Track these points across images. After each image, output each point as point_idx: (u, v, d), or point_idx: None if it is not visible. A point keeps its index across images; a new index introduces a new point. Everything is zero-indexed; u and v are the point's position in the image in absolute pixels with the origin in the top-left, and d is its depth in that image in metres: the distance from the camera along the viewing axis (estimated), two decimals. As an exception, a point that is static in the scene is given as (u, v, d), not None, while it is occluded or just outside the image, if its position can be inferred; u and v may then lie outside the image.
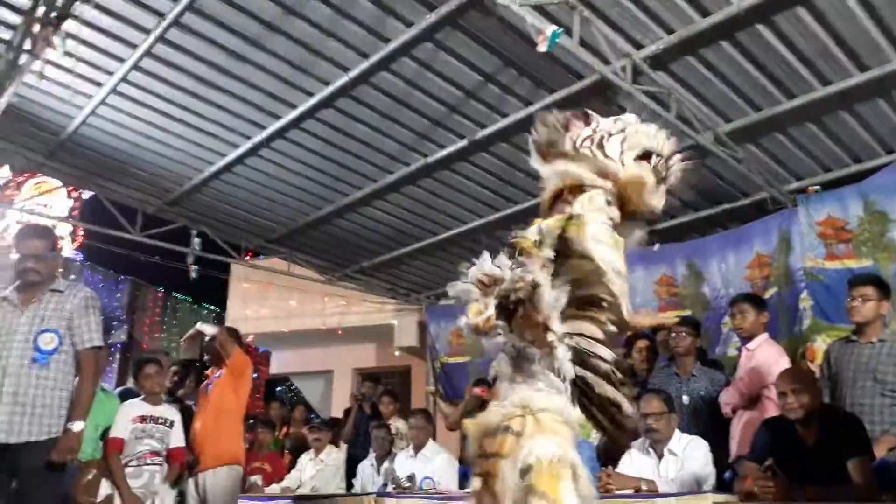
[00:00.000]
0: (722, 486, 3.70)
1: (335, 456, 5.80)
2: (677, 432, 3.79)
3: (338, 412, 9.06)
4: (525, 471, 1.52)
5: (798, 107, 4.84)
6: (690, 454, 3.69)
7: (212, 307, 11.80)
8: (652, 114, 4.80)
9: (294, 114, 5.39)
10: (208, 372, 4.81)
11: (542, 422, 1.57)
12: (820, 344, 4.89)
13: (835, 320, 4.90)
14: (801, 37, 4.22)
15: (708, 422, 4.11)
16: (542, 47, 3.79)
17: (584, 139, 1.91)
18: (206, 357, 4.82)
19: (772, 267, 5.60)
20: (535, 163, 1.97)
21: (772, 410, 3.73)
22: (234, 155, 6.01)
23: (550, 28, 3.77)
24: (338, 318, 9.54)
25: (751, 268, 5.75)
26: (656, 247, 6.44)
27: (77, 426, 3.22)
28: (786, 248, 5.51)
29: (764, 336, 4.17)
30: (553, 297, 1.62)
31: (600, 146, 1.89)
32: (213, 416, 4.39)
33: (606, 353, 1.62)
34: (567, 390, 1.62)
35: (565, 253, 1.72)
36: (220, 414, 4.39)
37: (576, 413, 1.61)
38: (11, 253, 3.36)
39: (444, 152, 5.78)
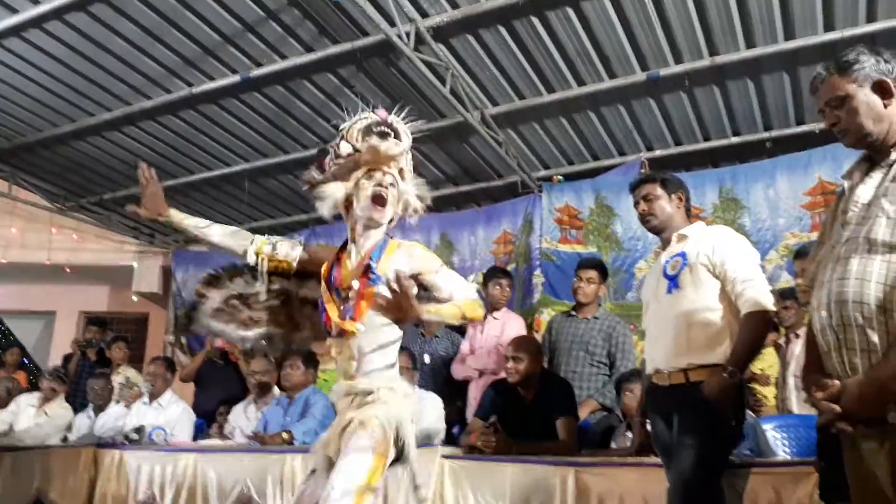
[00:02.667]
0: (450, 440, 3.99)
1: (62, 413, 5.19)
2: (416, 389, 3.98)
3: (57, 358, 8.15)
4: None
5: (555, 101, 5.31)
6: (424, 410, 3.91)
7: None
8: (428, 84, 4.96)
9: (36, 11, 4.64)
10: None
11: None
12: (546, 316, 5.48)
13: (561, 297, 5.52)
14: (567, 36, 4.62)
15: (445, 380, 4.39)
16: (332, -7, 3.70)
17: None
18: None
19: (514, 245, 6.15)
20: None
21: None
22: (-51, 45, 5.03)
23: (342, -24, 3.69)
24: (67, 253, 8.50)
25: (497, 243, 6.25)
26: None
27: None
28: (528, 228, 6.08)
29: (505, 308, 4.55)
30: None
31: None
32: None
33: None
34: None
35: None
36: None
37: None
38: None
39: (212, 84, 5.38)
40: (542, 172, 6.32)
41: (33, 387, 7.13)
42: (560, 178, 6.11)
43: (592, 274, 4.28)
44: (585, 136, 5.88)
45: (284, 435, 3.81)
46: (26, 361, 8.41)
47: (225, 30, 4.81)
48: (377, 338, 2.19)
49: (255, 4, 4.56)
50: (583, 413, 3.92)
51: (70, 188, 7.42)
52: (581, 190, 5.91)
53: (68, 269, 8.70)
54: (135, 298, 9.10)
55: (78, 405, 5.41)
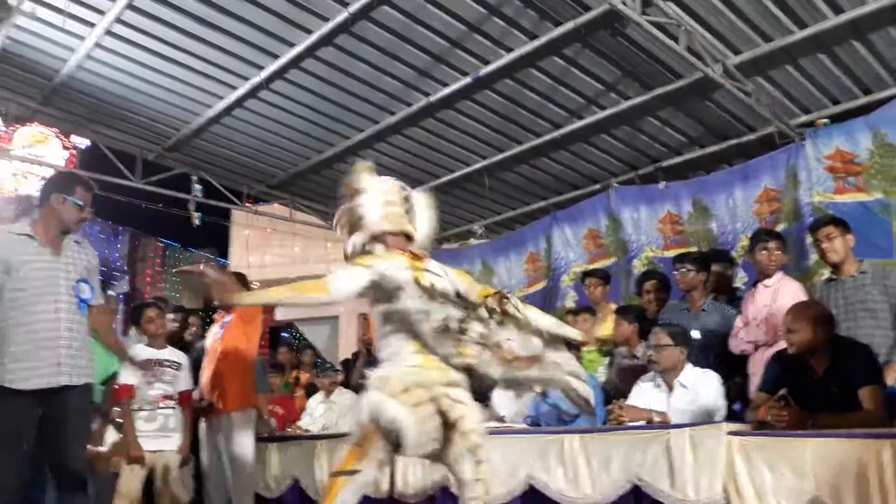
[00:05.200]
0: (732, 417, 3.74)
1: (345, 396, 5.86)
2: (688, 365, 3.80)
3: (345, 356, 9.14)
4: None
5: (809, 36, 4.74)
6: (702, 387, 3.71)
7: (212, 256, 11.77)
8: (660, 46, 4.72)
9: (293, 53, 5.26)
10: (216, 317, 4.80)
11: None
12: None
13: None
14: (816, -40, 4.11)
15: (718, 355, 4.14)
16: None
17: None
18: (213, 304, 4.81)
19: (781, 202, 5.57)
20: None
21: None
22: (233, 97, 5.89)
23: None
24: (341, 263, 9.50)
25: (759, 202, 5.71)
26: (662, 185, 6.41)
27: None
28: (793, 182, 5.48)
29: (781, 273, 4.15)
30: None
31: None
32: (226, 360, 4.37)
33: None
34: None
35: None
36: (232, 358, 4.37)
37: None
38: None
39: (446, 90, 5.66)
40: (803, 118, 5.67)
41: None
42: (826, 121, 5.42)
43: (830, 229, 3.79)
44: (851, 70, 5.17)
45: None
46: (319, 361, 9.56)
47: (452, 35, 5.03)
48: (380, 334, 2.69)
49: (476, 4, 4.70)
50: (890, 379, 3.45)
51: (337, 205, 8.25)
52: (854, 130, 5.17)
53: (344, 278, 9.69)
54: (401, 298, 9.89)
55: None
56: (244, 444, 4.32)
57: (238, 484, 4.27)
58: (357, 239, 2.77)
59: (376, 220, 2.75)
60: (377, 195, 2.80)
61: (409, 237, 2.82)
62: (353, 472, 2.41)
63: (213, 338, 4.58)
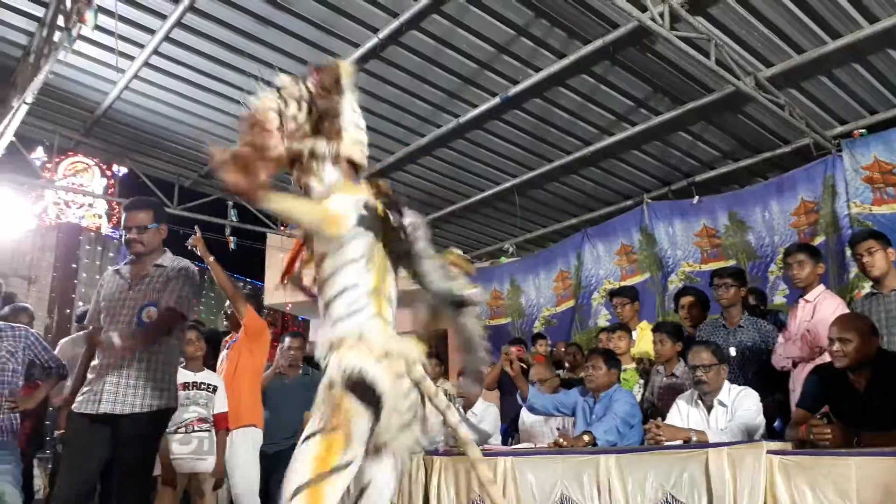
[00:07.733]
0: (772, 435, 3.66)
1: None
2: (727, 383, 3.73)
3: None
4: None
5: (843, 46, 4.68)
6: (741, 405, 3.63)
7: (248, 279, 11.92)
8: (689, 61, 4.70)
9: (323, 78, 5.34)
10: (227, 338, 4.81)
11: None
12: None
13: (885, 266, 4.76)
14: (848, -30, 4.07)
15: (756, 372, 4.05)
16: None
17: None
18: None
19: (819, 214, 5.46)
20: None
21: (836, 362, 3.66)
22: (265, 124, 5.99)
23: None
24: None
25: (797, 214, 5.61)
26: (695, 199, 6.34)
27: None
28: (831, 194, 5.37)
29: (821, 287, 4.03)
30: None
31: None
32: (230, 379, 4.37)
33: None
34: None
35: None
36: (236, 377, 4.37)
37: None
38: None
39: (475, 111, 5.70)
40: (839, 129, 5.59)
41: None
42: (863, 131, 5.33)
43: (870, 243, 3.68)
44: (888, 79, 5.09)
45: (585, 437, 3.82)
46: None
47: (481, 57, 5.08)
48: (335, 282, 2.03)
49: (504, 25, 4.74)
50: (938, 396, 3.34)
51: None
52: (892, 140, 5.06)
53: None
54: (434, 318, 9.89)
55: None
56: (245, 463, 4.30)
57: (238, 501, 4.28)
58: (322, 146, 2.15)
59: (349, 141, 2.19)
60: (356, 112, 2.26)
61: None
62: (344, 467, 1.80)
63: (221, 358, 4.61)
